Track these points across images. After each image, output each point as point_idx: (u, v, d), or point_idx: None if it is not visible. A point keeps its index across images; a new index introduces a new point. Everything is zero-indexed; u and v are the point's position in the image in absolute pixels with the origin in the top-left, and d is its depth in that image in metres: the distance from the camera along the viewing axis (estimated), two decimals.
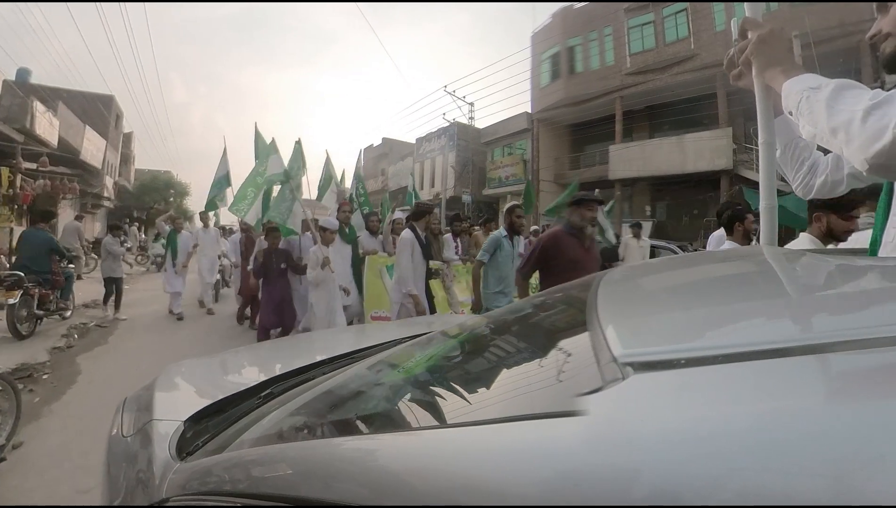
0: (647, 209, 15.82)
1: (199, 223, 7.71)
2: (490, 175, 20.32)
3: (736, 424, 0.28)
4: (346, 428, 0.70)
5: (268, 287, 4.49)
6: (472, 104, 22.52)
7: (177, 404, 1.12)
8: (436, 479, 0.38)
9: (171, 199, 26.04)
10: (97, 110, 18.58)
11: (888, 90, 0.63)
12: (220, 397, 1.09)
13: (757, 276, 0.67)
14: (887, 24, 0.77)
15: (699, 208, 14.23)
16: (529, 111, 18.58)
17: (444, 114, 35.54)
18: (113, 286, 6.26)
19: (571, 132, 18.52)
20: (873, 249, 0.86)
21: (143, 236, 17.42)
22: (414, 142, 25.05)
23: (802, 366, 0.32)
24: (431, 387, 0.71)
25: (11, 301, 4.57)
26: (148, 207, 24.45)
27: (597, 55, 15.96)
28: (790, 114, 0.77)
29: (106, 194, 18.94)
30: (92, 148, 16.09)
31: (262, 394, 1.07)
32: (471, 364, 0.76)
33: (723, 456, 0.26)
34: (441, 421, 0.47)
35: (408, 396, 0.71)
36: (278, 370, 1.27)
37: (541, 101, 17.80)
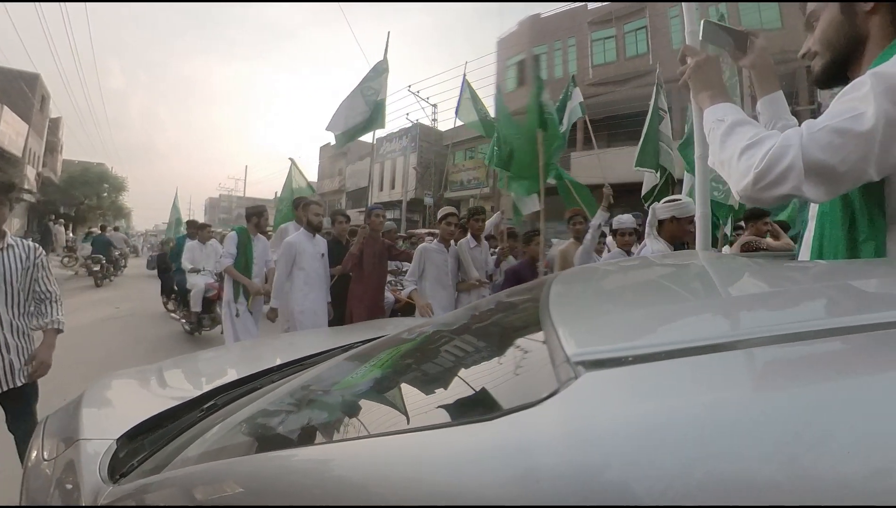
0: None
1: (136, 223, 7.57)
2: (452, 178, 20.45)
3: (683, 415, 0.30)
4: (299, 439, 0.68)
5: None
6: (435, 106, 22.65)
7: (107, 421, 1.05)
8: (398, 486, 0.38)
9: (105, 195, 24.26)
10: (18, 89, 17.04)
11: (823, 110, 0.70)
12: (158, 411, 1.03)
13: (695, 278, 0.73)
14: (814, 42, 0.85)
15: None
16: (493, 115, 18.94)
17: (407, 114, 35.44)
18: None
19: None
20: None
21: (72, 235, 16.12)
22: (374, 142, 24.84)
23: (737, 359, 0.36)
24: (387, 392, 0.71)
25: None
26: (78, 202, 22.63)
27: (560, 64, 16.64)
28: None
29: (27, 186, 17.38)
30: (10, 132, 14.75)
31: (206, 406, 1.02)
32: (427, 367, 0.76)
33: (674, 446, 0.28)
34: (399, 426, 0.46)
35: (363, 402, 0.70)
36: (223, 379, 1.23)
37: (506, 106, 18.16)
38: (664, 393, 0.33)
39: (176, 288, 5.99)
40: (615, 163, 15.03)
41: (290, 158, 5.79)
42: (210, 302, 5.34)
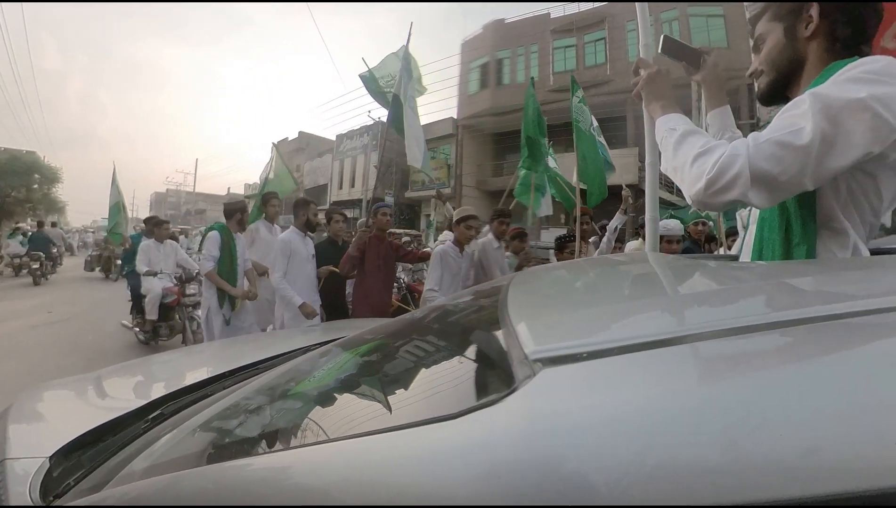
0: (561, 217, 17.05)
1: (71, 218, 6.93)
2: (413, 177, 20.42)
3: (636, 406, 0.32)
4: (255, 447, 0.66)
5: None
6: None
7: (39, 437, 0.97)
8: (361, 490, 0.38)
9: (36, 187, 22.29)
10: None
11: (762, 124, 0.77)
12: (97, 424, 0.97)
13: (645, 278, 0.78)
14: (760, 62, 0.93)
15: (607, 218, 15.73)
16: (455, 116, 19.06)
17: (369, 111, 34.97)
18: None
19: (494, 140, 19.33)
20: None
21: None
22: (334, 138, 24.35)
23: (685, 353, 0.39)
24: (347, 395, 0.70)
25: None
26: (3, 195, 20.66)
27: (523, 69, 17.08)
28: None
29: None
30: None
31: (151, 417, 0.97)
32: (388, 368, 0.75)
33: (628, 436, 0.30)
34: (361, 429, 0.46)
35: (323, 406, 0.69)
36: (170, 387, 1.16)
37: (467, 108, 18.42)
38: (618, 387, 0.35)
39: (129, 292, 5.37)
40: (573, 167, 15.66)
41: (273, 143, 5.39)
42: (168, 309, 4.84)
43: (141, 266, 4.77)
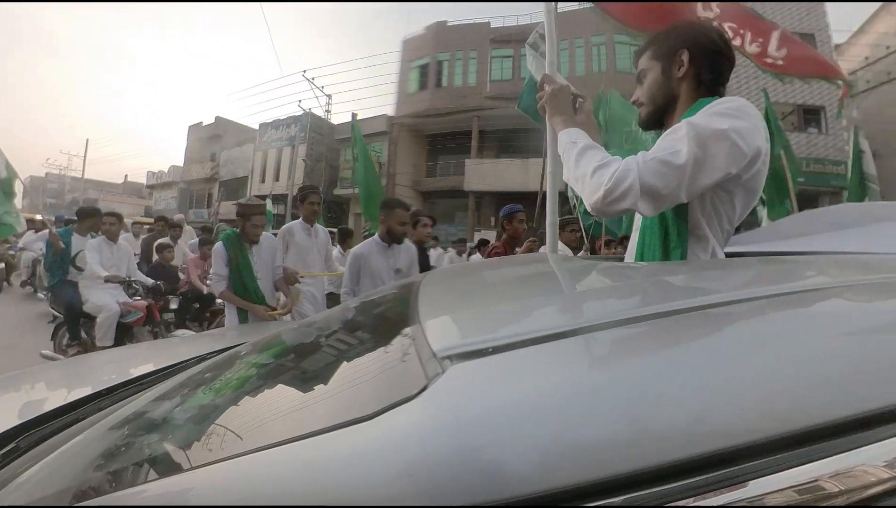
0: (492, 220, 17.65)
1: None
2: (343, 174, 19.84)
3: (544, 393, 0.36)
4: (143, 474, 0.56)
5: None
6: (329, 96, 21.79)
7: None
8: (272, 503, 0.36)
9: None
10: None
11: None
12: None
13: (544, 277, 0.85)
14: (641, 94, 1.07)
15: (533, 221, 16.69)
16: (389, 114, 18.97)
17: (300, 101, 33.52)
18: None
19: (428, 141, 19.56)
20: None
21: None
22: (257, 127, 22.94)
23: (583, 342, 0.43)
24: (249, 404, 0.65)
25: None
26: None
27: (461, 74, 17.57)
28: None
29: None
30: None
31: (2, 452, 0.78)
32: (295, 373, 0.74)
33: (540, 420, 0.33)
34: (267, 441, 0.42)
35: (223, 419, 0.63)
36: (27, 414, 0.92)
37: (404, 107, 18.44)
38: (525, 377, 0.38)
39: (63, 311, 3.90)
40: (505, 173, 16.39)
41: (352, 113, 4.76)
42: (127, 329, 3.75)
43: (97, 268, 3.60)
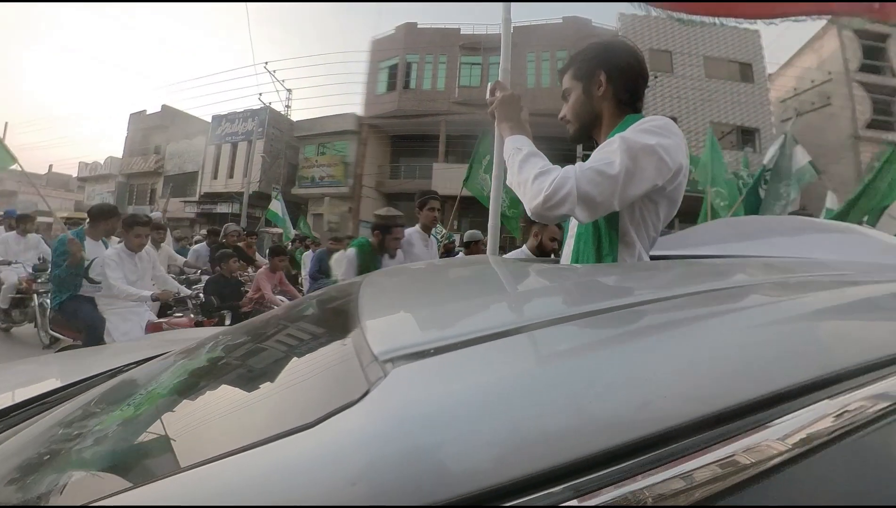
0: (454, 223, 17.92)
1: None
2: (302, 173, 19.39)
3: (484, 392, 0.36)
4: (48, 501, 0.49)
5: None
6: (290, 91, 21.16)
7: None
8: None
9: None
10: None
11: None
12: None
13: (485, 278, 0.87)
14: (567, 112, 1.15)
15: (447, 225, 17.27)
16: (356, 113, 18.78)
17: (260, 94, 32.08)
18: None
19: (392, 142, 19.50)
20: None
21: None
22: (209, 119, 21.82)
23: (524, 340, 0.45)
24: (176, 418, 0.59)
25: None
26: None
27: (430, 77, 17.72)
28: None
29: None
30: None
31: None
32: (225, 382, 0.69)
33: (480, 420, 0.33)
34: (194, 457, 0.39)
35: (144, 437, 0.58)
36: None
37: (372, 107, 18.31)
38: (467, 376, 0.39)
39: (85, 334, 3.57)
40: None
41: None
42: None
43: (122, 287, 3.22)
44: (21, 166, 4.52)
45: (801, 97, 17.53)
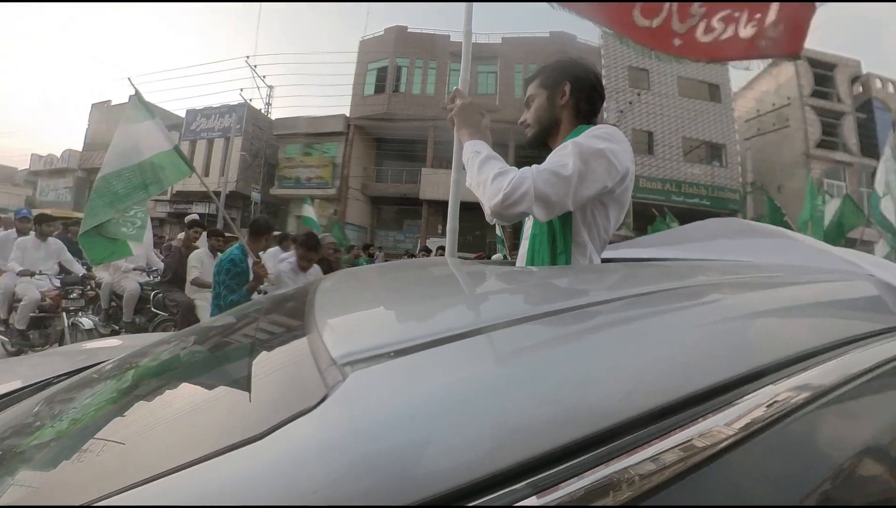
0: (438, 228, 18.14)
1: None
2: (283, 173, 18.93)
3: (446, 393, 0.37)
4: None
5: None
6: (271, 88, 20.80)
7: None
8: None
9: None
10: None
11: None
12: None
13: (443, 280, 0.88)
14: (529, 117, 1.24)
15: (480, 230, 17.46)
16: (343, 113, 18.63)
17: (241, 89, 31.07)
18: None
19: (378, 145, 19.53)
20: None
21: None
22: (182, 114, 21.06)
23: (479, 343, 0.45)
24: (114, 433, 0.56)
25: None
26: None
27: (419, 82, 17.88)
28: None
29: None
30: None
31: None
32: (171, 392, 0.65)
33: (442, 421, 0.34)
34: (134, 476, 0.36)
35: (80, 455, 0.53)
36: None
37: (361, 109, 18.27)
38: (428, 378, 0.39)
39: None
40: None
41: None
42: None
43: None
44: None
45: (763, 118, 19.23)
